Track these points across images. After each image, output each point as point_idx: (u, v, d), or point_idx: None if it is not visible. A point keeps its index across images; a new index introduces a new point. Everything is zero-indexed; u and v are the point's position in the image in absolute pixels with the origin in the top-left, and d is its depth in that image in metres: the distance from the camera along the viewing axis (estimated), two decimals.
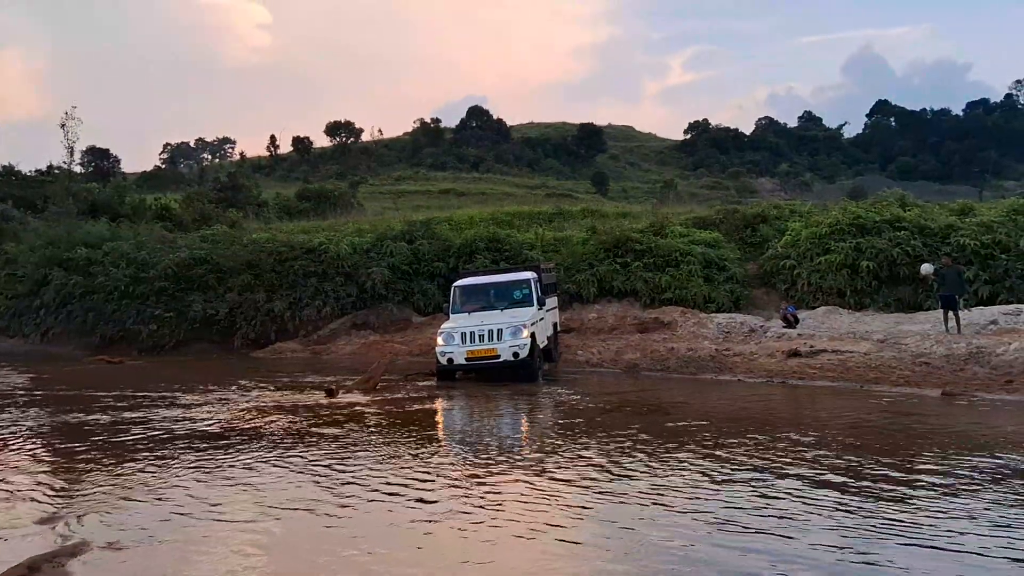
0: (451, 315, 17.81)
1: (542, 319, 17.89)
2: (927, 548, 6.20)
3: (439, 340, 16.95)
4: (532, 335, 16.49)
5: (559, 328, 21.17)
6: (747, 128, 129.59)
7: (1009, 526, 6.65)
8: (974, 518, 6.89)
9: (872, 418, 11.88)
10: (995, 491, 7.69)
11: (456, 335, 16.70)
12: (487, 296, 18.11)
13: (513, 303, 17.69)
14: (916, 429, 11.00)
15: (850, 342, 17.84)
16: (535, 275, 18.49)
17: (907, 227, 23.17)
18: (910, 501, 7.42)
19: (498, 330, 16.42)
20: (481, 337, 16.47)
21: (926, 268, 19.12)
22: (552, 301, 20.14)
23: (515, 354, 16.25)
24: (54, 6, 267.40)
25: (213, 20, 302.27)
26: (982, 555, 6.05)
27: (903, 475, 8.31)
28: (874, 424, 11.45)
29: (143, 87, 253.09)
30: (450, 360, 16.61)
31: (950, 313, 17.95)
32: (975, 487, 7.85)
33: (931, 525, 6.71)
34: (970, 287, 20.42)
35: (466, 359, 16.55)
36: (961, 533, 6.50)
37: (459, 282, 18.87)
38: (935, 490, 7.73)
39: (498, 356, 16.34)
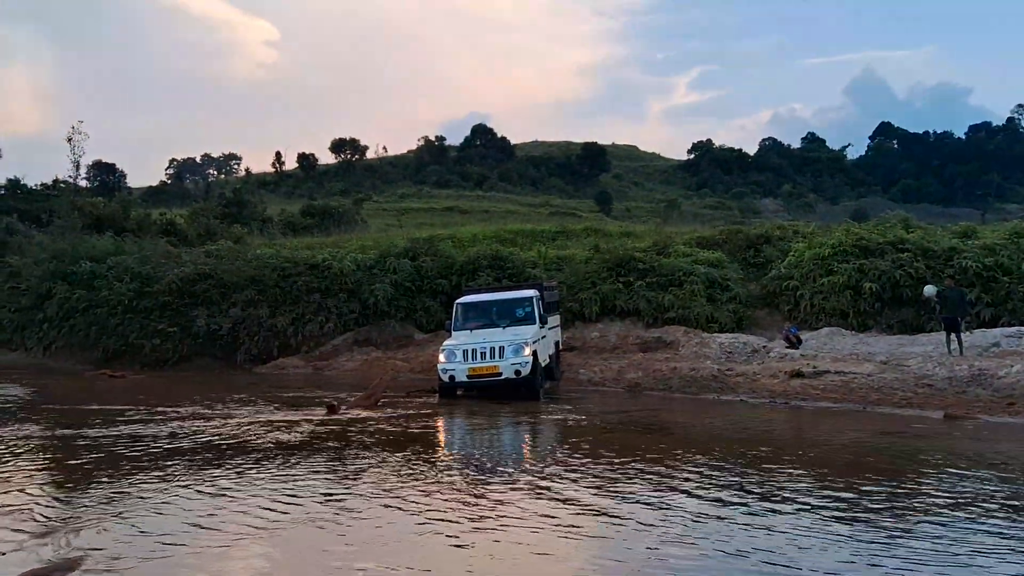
0: (453, 332, 17.78)
1: (544, 337, 17.86)
2: None
3: (441, 357, 16.90)
4: (534, 353, 16.45)
5: (561, 347, 21.16)
6: (751, 149, 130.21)
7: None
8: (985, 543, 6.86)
9: (874, 441, 11.82)
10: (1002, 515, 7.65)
11: (458, 352, 16.66)
12: (489, 313, 18.06)
13: (515, 321, 17.64)
14: (921, 453, 10.95)
15: (853, 363, 17.80)
16: (537, 293, 18.49)
17: (910, 249, 23.16)
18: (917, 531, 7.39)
19: (500, 347, 16.39)
20: (483, 354, 16.43)
21: (929, 290, 19.11)
22: (555, 319, 20.11)
23: (517, 372, 16.22)
24: (61, 22, 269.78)
25: (221, 37, 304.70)
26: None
27: (905, 501, 8.27)
28: (876, 448, 11.39)
29: (150, 103, 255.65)
30: (452, 377, 16.56)
31: (952, 335, 17.91)
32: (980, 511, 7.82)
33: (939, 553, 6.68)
34: (972, 309, 20.39)
35: (468, 376, 16.50)
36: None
37: (461, 299, 18.86)
38: (940, 516, 7.70)
39: (500, 374, 16.29)
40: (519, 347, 16.35)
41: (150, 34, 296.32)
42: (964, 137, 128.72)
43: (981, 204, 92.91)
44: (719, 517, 7.73)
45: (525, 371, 16.22)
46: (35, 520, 8.05)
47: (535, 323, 17.53)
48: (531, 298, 18.14)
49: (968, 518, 7.51)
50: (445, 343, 17.37)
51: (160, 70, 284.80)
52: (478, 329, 17.50)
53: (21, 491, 9.36)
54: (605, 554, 6.84)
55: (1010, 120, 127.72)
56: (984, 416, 13.36)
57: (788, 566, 6.32)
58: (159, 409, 16.02)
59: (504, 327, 17.41)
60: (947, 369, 16.13)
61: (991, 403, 14.06)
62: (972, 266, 21.77)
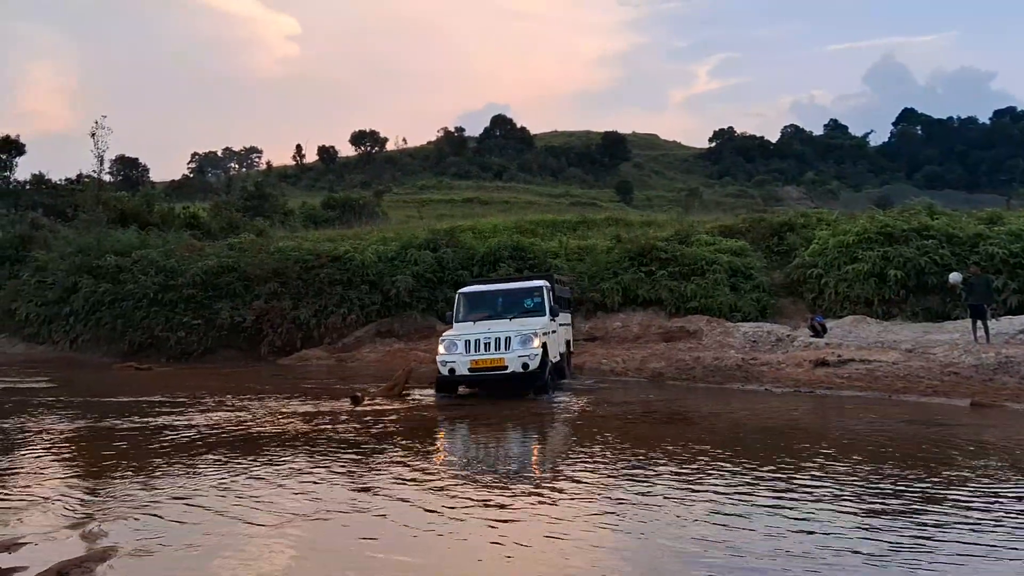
0: (454, 324, 16.47)
1: (555, 331, 16.67)
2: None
3: (440, 348, 15.58)
4: (543, 345, 15.22)
5: (572, 347, 19.84)
6: (772, 136, 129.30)
7: None
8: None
9: (900, 430, 11.71)
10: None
11: (459, 343, 15.32)
12: (495, 304, 16.63)
13: (523, 312, 16.32)
14: (947, 442, 10.84)
15: (878, 352, 17.66)
16: (547, 283, 17.13)
17: (935, 236, 22.96)
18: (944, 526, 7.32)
19: (506, 338, 15.02)
20: (487, 346, 15.09)
21: (954, 277, 18.94)
22: (566, 317, 18.84)
23: (524, 365, 14.89)
24: (84, 21, 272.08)
25: (242, 32, 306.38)
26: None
27: (931, 494, 8.20)
28: (901, 437, 11.29)
29: (172, 98, 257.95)
30: (451, 370, 15.22)
31: (979, 322, 17.75)
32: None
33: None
34: (999, 296, 20.20)
35: (470, 370, 15.13)
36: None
37: (464, 289, 17.59)
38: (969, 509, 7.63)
39: (505, 367, 14.94)
40: (527, 338, 15.02)
41: (172, 30, 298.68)
42: (988, 122, 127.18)
43: (1006, 189, 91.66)
44: (746, 508, 7.70)
45: (533, 364, 14.89)
46: (66, 511, 8.14)
47: (545, 315, 16.20)
48: (540, 288, 16.75)
49: (992, 512, 7.42)
50: (445, 333, 16.06)
51: (182, 65, 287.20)
52: (482, 320, 16.06)
53: (52, 482, 9.47)
54: (632, 546, 6.82)
55: None
56: (1011, 404, 13.22)
57: (815, 568, 6.29)
58: (186, 401, 16.17)
59: (511, 319, 16.02)
60: (973, 357, 15.97)
61: (1019, 391, 13.93)
62: (998, 252, 21.57)
